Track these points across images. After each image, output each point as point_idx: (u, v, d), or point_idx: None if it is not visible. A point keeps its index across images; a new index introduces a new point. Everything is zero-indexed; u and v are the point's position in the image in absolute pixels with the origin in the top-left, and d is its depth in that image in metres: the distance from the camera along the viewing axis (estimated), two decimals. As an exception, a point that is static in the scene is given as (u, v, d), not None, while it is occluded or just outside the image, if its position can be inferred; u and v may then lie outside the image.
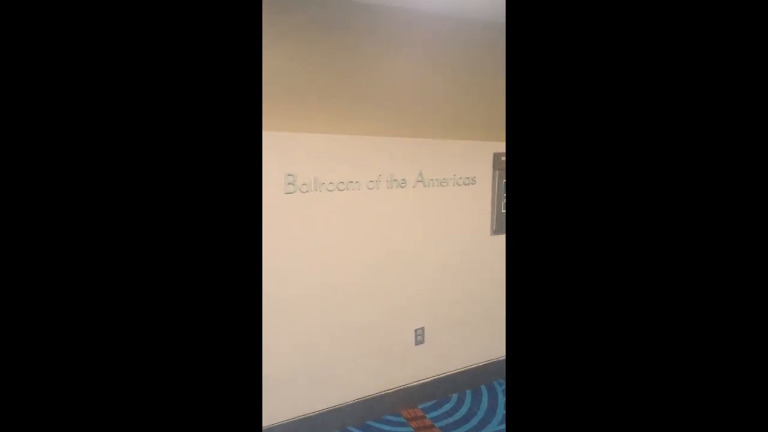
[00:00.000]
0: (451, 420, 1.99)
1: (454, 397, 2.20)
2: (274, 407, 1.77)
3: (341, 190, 1.78)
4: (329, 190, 1.76)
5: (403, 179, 1.92)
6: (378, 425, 1.96)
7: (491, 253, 2.23)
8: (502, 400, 2.15)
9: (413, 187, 1.95)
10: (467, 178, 2.09)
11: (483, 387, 2.28)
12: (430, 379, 2.15)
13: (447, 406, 2.11)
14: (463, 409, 2.08)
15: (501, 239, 2.24)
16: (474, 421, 1.97)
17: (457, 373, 2.23)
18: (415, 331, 2.08)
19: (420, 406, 2.11)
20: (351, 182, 1.80)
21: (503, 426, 1.92)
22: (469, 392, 2.23)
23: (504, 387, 2.27)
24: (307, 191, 1.71)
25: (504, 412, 2.04)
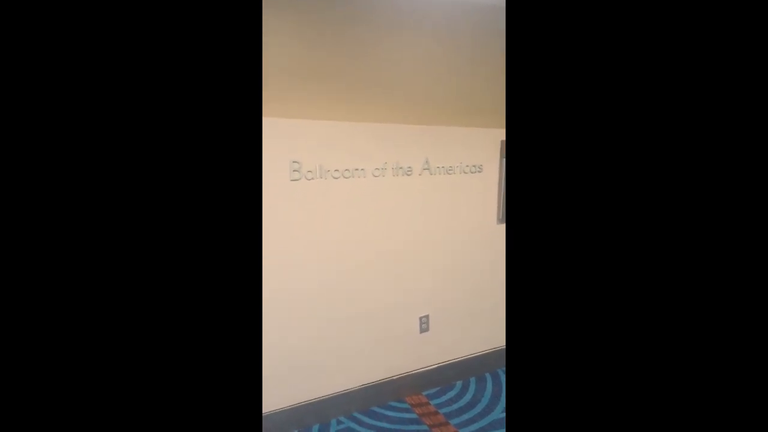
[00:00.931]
0: (455, 407, 2.01)
1: (458, 384, 2.21)
2: (281, 393, 1.80)
3: (347, 178, 1.77)
4: (335, 178, 1.75)
5: (409, 167, 1.90)
6: (383, 411, 1.98)
7: (497, 242, 2.22)
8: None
9: (419, 174, 1.94)
10: (474, 165, 2.07)
11: (487, 375, 2.30)
12: (434, 367, 2.17)
13: (451, 393, 2.13)
14: (467, 396, 2.10)
15: (507, 228, 2.23)
16: (478, 408, 1.99)
17: (461, 361, 2.24)
18: (420, 319, 2.09)
19: (424, 393, 2.13)
20: (356, 170, 1.79)
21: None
22: (473, 380, 2.25)
23: (508, 375, 2.28)
24: (312, 178, 1.70)
25: (508, 399, 2.05)
